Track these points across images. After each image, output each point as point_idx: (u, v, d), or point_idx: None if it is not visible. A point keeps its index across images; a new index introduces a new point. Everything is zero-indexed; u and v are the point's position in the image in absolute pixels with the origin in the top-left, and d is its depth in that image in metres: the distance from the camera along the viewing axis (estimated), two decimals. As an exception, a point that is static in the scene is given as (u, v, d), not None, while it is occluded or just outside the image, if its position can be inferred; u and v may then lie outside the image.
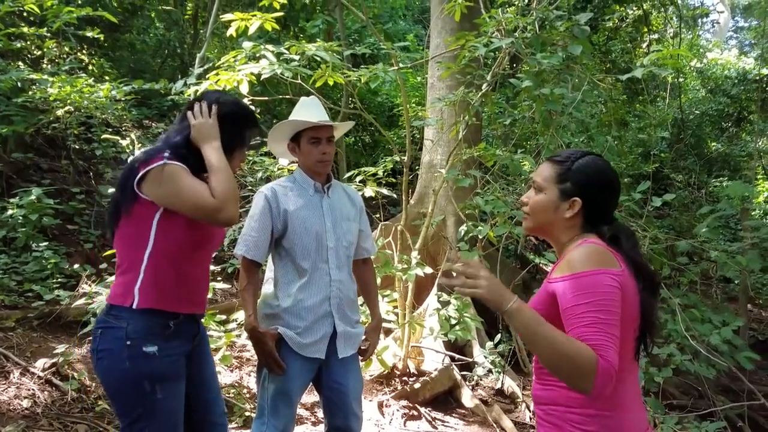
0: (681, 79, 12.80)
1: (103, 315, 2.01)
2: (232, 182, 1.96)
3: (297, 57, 4.07)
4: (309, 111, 2.54)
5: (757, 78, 12.56)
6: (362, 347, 2.68)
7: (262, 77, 3.92)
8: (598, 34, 10.24)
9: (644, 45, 10.72)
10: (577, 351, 1.39)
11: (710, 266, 6.08)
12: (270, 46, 4.19)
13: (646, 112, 9.46)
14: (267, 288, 2.57)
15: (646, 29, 10.28)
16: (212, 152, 2.00)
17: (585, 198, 1.65)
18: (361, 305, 3.05)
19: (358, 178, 5.13)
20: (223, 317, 4.24)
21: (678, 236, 5.73)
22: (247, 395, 4.11)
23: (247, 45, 4.15)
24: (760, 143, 13.68)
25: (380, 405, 4.30)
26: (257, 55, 4.14)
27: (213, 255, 2.31)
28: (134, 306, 1.95)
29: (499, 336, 5.12)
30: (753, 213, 8.14)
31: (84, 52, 8.17)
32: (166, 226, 1.99)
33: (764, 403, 4.69)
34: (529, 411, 4.56)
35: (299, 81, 4.23)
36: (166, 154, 1.97)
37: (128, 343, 1.92)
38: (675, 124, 11.40)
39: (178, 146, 2.04)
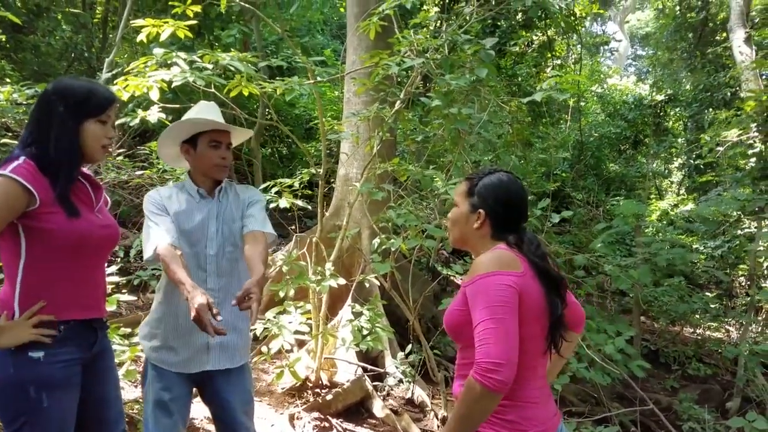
0: (582, 103, 13.56)
1: None
2: None
3: (210, 66, 4.04)
4: (208, 114, 2.46)
5: (652, 104, 13.53)
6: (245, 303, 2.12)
7: (174, 85, 3.85)
8: (505, 58, 10.70)
9: (548, 70, 11.31)
10: (472, 409, 1.59)
11: (605, 279, 6.49)
12: (183, 54, 4.14)
13: (548, 134, 9.96)
14: (153, 303, 2.52)
15: (549, 55, 10.85)
16: None
17: (488, 209, 1.84)
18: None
19: (274, 190, 5.12)
20: (128, 330, 4.10)
21: (577, 251, 6.07)
22: (153, 411, 3.98)
23: (159, 51, 4.08)
24: (653, 165, 14.69)
25: (291, 417, 4.29)
26: (169, 62, 4.07)
27: (107, 255, 2.21)
28: (15, 318, 1.90)
29: (410, 346, 5.24)
30: (647, 230, 8.73)
31: (-19, 52, 7.72)
32: (34, 233, 1.92)
33: (653, 408, 5.04)
34: (437, 419, 4.68)
35: (213, 90, 4.20)
36: (14, 164, 1.89)
37: (12, 348, 1.87)
38: (576, 145, 12.05)
39: (33, 143, 1.97)
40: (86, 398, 2.08)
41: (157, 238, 2.27)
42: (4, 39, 7.55)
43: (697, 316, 7.98)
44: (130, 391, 4.12)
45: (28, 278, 1.93)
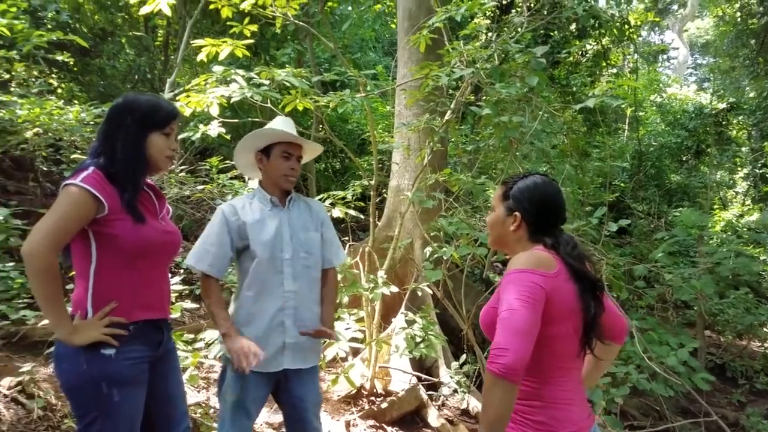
0: (641, 113, 13.27)
1: None
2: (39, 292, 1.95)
3: (267, 82, 4.19)
4: (284, 127, 2.63)
5: (713, 112, 13.10)
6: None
7: (232, 100, 4.02)
8: (559, 68, 10.60)
9: (603, 79, 11.13)
10: (488, 399, 1.58)
11: (666, 290, 6.29)
12: (240, 71, 4.31)
13: (605, 143, 9.79)
14: (232, 302, 2.65)
15: (604, 64, 10.68)
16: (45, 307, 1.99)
17: (523, 212, 1.87)
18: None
19: (328, 202, 5.23)
20: (191, 336, 4.25)
21: (638, 263, 5.93)
22: (215, 414, 4.11)
23: (218, 69, 4.26)
24: (717, 175, 14.20)
25: (347, 424, 4.34)
26: (228, 79, 4.25)
27: (170, 260, 2.33)
28: (88, 319, 2.02)
29: (464, 356, 5.22)
30: (711, 241, 8.45)
31: (53, 76, 8.17)
32: (104, 239, 2.03)
33: (719, 421, 4.85)
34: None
35: (269, 105, 4.34)
36: (84, 173, 2.01)
37: (86, 346, 1.98)
38: (634, 155, 11.79)
39: (101, 154, 2.10)
40: (153, 396, 2.18)
41: (207, 259, 2.50)
42: (72, 62, 7.98)
43: (765, 329, 7.65)
44: (192, 396, 4.26)
45: (99, 281, 2.04)
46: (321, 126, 7.95)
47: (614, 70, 11.66)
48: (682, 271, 5.82)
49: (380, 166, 8.19)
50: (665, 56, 18.08)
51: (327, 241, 2.75)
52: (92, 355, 1.99)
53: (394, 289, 4.40)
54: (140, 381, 2.10)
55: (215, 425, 3.89)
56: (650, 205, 11.56)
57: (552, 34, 9.68)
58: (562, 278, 1.74)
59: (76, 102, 7.59)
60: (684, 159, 13.44)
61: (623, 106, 12.83)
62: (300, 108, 4.53)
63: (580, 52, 10.84)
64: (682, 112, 13.83)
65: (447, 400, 5.03)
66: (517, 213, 1.88)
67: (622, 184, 11.31)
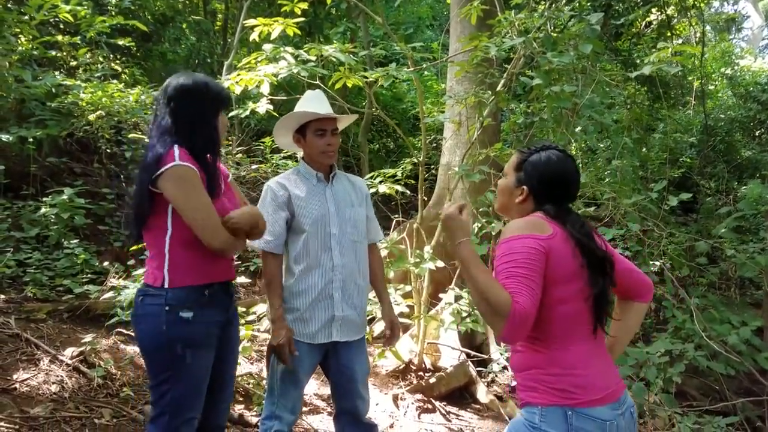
0: (711, 87, 12.62)
1: (144, 287, 2.18)
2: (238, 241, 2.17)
3: (314, 58, 4.20)
4: (314, 103, 2.62)
5: (787, 84, 12.31)
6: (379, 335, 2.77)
7: (279, 76, 4.05)
8: (621, 40, 10.19)
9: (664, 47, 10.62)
10: (496, 293, 1.55)
11: (730, 267, 6.02)
12: (290, 49, 4.34)
13: (669, 116, 9.37)
14: (283, 274, 2.69)
15: (669, 33, 10.20)
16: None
17: (531, 187, 1.85)
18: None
19: (378, 180, 5.23)
20: (243, 310, 4.36)
21: (699, 239, 5.68)
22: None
23: (268, 47, 4.31)
24: (791, 150, 13.36)
25: (395, 398, 4.38)
26: (277, 57, 4.29)
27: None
28: (166, 286, 2.11)
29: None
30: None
31: (117, 61, 8.47)
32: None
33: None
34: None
35: (317, 82, 4.36)
36: (176, 152, 2.07)
37: (167, 308, 2.08)
38: (702, 130, 11.27)
39: (177, 133, 2.14)
40: (219, 359, 2.28)
41: (264, 235, 2.49)
42: (134, 48, 8.25)
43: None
44: (246, 367, 4.38)
45: (174, 250, 2.13)
46: (374, 107, 7.96)
47: (680, 41, 11.12)
48: (746, 247, 5.54)
49: (433, 145, 8.13)
50: (736, 27, 17.07)
51: (369, 219, 2.82)
52: (172, 317, 2.08)
53: (440, 263, 4.37)
54: (211, 344, 2.21)
55: (267, 395, 4.01)
56: (719, 182, 11.04)
57: (613, 4, 9.29)
58: (558, 240, 1.71)
59: (139, 87, 7.86)
60: (757, 134, 12.73)
61: (689, 78, 12.26)
62: (349, 84, 4.53)
63: (643, 24, 10.38)
64: (754, 84, 13.09)
65: (497, 376, 4.99)
66: (524, 187, 1.86)
67: (689, 160, 10.84)
